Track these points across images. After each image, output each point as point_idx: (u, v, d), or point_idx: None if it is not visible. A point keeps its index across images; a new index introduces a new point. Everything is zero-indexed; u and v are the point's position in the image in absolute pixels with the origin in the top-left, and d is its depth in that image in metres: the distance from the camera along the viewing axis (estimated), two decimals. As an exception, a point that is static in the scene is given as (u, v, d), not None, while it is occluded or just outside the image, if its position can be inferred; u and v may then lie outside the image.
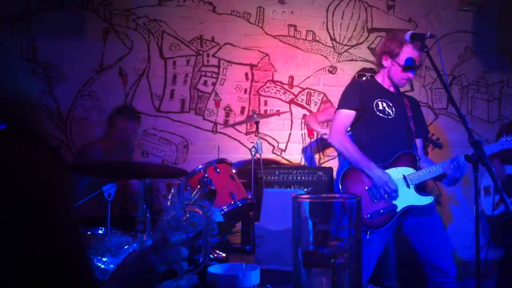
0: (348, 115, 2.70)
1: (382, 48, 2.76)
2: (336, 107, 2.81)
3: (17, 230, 0.50)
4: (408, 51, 2.64)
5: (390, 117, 2.69)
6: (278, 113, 4.18)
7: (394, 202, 2.58)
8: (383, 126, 2.68)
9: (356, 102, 2.69)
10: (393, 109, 2.71)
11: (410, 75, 2.68)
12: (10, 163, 0.52)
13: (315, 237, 0.75)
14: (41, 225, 0.51)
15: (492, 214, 3.71)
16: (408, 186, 2.61)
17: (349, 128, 2.80)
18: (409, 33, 2.57)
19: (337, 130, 2.69)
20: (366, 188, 2.61)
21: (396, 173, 2.63)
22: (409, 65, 2.64)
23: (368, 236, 2.53)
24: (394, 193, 2.56)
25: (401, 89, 2.91)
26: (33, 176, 0.53)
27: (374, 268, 2.64)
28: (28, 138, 0.55)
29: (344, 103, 2.73)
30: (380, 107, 2.70)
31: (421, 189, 2.65)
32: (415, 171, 2.64)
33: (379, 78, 2.81)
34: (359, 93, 2.71)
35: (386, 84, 2.77)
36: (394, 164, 2.64)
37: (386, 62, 2.72)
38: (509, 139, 2.65)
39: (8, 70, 0.61)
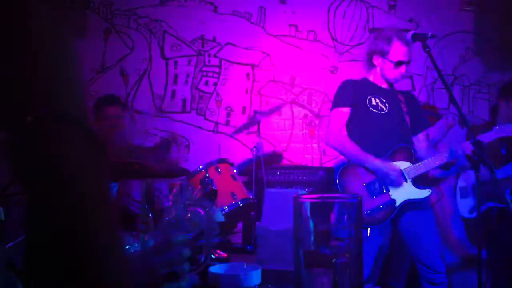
0: (343, 113, 2.71)
1: (371, 47, 2.77)
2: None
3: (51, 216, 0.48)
4: (397, 47, 2.65)
5: (383, 112, 2.69)
6: (277, 110, 4.10)
7: (392, 196, 2.58)
8: (377, 122, 2.68)
9: (350, 99, 2.70)
10: (386, 105, 2.71)
11: (403, 70, 2.70)
12: (49, 150, 0.49)
13: (316, 237, 0.75)
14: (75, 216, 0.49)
15: (469, 217, 3.59)
16: (405, 180, 2.62)
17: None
18: (410, 33, 2.58)
19: (334, 130, 2.69)
20: (364, 184, 2.61)
21: None
22: (401, 61, 2.66)
23: (368, 233, 2.54)
24: (399, 178, 2.57)
25: (401, 89, 2.90)
26: (72, 167, 0.50)
27: (381, 268, 2.65)
28: (72, 124, 0.52)
29: (338, 101, 2.74)
30: (373, 103, 2.70)
31: (418, 182, 2.65)
32: (411, 164, 2.64)
33: (370, 77, 2.82)
34: (352, 91, 2.72)
35: (378, 82, 2.79)
36: (390, 159, 2.64)
37: (377, 61, 2.74)
38: (503, 126, 2.60)
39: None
